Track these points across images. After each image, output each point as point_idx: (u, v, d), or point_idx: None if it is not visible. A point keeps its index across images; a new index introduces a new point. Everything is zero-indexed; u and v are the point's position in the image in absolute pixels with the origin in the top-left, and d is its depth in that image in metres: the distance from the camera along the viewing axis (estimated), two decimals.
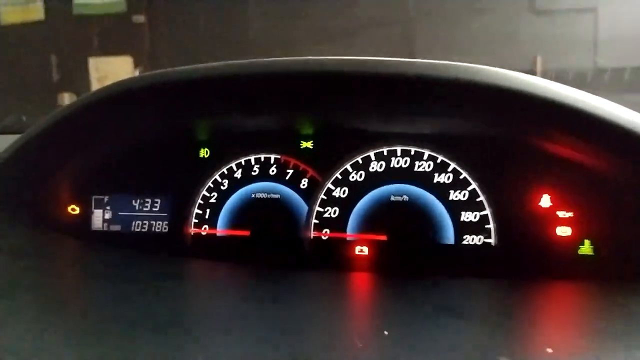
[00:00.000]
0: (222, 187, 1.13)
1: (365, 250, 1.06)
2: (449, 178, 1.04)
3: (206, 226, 1.13)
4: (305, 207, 1.09)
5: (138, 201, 1.16)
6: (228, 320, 0.73)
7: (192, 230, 1.13)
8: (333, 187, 1.08)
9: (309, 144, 1.11)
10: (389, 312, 0.79)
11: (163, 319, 0.70)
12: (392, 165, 1.06)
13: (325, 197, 1.08)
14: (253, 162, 1.12)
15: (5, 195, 1.05)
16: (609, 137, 0.79)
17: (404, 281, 0.96)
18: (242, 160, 1.13)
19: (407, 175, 1.06)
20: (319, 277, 1.00)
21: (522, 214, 1.01)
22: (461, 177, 1.03)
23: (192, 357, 0.56)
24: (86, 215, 1.17)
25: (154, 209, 1.15)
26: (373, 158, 1.07)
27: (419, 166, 1.05)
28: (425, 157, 1.05)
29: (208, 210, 1.13)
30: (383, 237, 1.05)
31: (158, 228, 1.15)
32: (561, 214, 1.00)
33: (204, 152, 1.15)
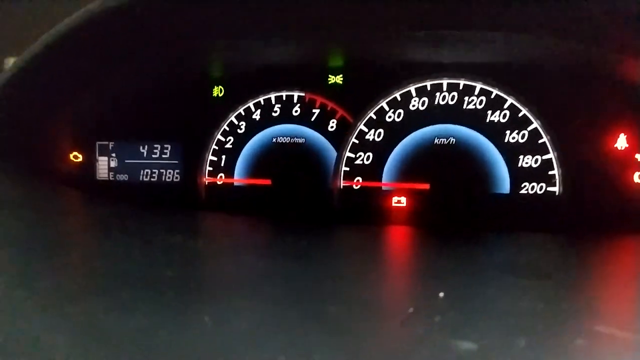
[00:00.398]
0: (239, 131, 1.00)
1: (404, 201, 0.92)
2: (504, 116, 0.89)
3: (222, 175, 1.01)
4: (334, 153, 0.97)
5: (146, 147, 1.04)
6: (243, 279, 0.61)
7: (207, 179, 1.01)
8: (366, 129, 0.94)
9: (338, 79, 0.96)
10: (438, 271, 0.65)
11: (168, 276, 0.58)
12: (436, 102, 0.92)
13: (357, 141, 0.95)
14: (273, 102, 0.99)
15: (5, 141, 0.93)
16: None
17: (450, 236, 0.82)
18: (261, 99, 0.99)
19: (454, 114, 0.91)
20: (352, 231, 0.88)
21: (593, 158, 0.86)
22: (520, 114, 0.88)
23: (196, 319, 0.44)
24: (90, 164, 1.06)
25: (164, 156, 1.03)
26: (414, 94, 0.92)
27: (468, 102, 0.90)
28: (476, 92, 0.90)
29: (224, 157, 1.01)
30: (425, 186, 0.91)
31: (169, 177, 1.03)
32: None
33: (217, 91, 1.01)
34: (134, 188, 1.05)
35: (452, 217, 0.90)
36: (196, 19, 0.78)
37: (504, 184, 0.89)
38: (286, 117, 0.98)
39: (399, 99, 0.93)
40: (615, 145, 0.85)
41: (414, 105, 0.92)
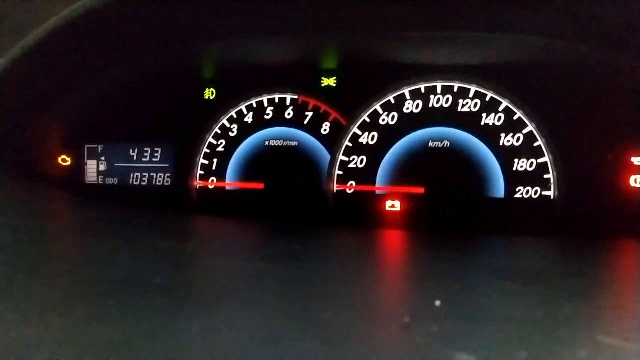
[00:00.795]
0: (230, 134, 0.98)
1: (398, 205, 0.91)
2: (500, 119, 0.88)
3: (213, 178, 0.99)
4: (327, 156, 0.95)
5: (136, 150, 1.02)
6: (234, 284, 0.59)
7: (198, 183, 1.00)
8: (360, 132, 0.93)
9: (331, 81, 0.95)
10: (434, 276, 0.64)
11: (157, 282, 0.56)
12: (430, 105, 0.91)
13: (350, 144, 0.94)
14: (266, 104, 0.97)
15: None
16: None
17: (445, 240, 0.81)
18: (254, 102, 0.98)
19: (448, 117, 0.90)
20: (345, 234, 0.87)
21: (589, 162, 0.85)
22: (515, 117, 0.87)
23: (184, 326, 0.42)
24: (79, 167, 1.05)
25: (155, 160, 1.02)
26: (408, 97, 0.91)
27: (463, 105, 0.89)
28: (471, 95, 0.89)
29: (215, 161, 1.00)
30: (420, 190, 0.90)
31: (159, 181, 1.01)
32: (637, 160, 0.83)
33: (209, 93, 1.00)
34: (124, 192, 1.03)
35: (447, 221, 0.89)
36: (187, 21, 0.77)
37: (499, 188, 0.88)
38: (279, 119, 0.97)
39: (392, 101, 0.92)
40: (611, 149, 0.85)
41: (408, 108, 0.91)
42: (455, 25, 0.72)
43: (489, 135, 0.88)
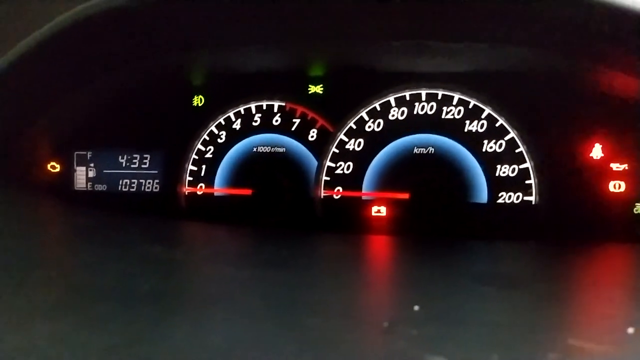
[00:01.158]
0: (219, 140, 1.00)
1: (384, 210, 0.93)
2: (482, 126, 0.90)
3: (202, 185, 1.01)
4: (314, 162, 0.97)
5: (125, 157, 1.03)
6: (221, 290, 0.60)
7: (186, 189, 1.01)
8: (346, 139, 0.95)
9: (318, 89, 0.97)
10: (416, 281, 0.66)
11: (144, 288, 0.57)
12: (415, 112, 0.93)
13: (337, 151, 0.95)
14: (254, 111, 0.99)
15: None
16: None
17: (429, 245, 0.83)
18: (242, 109, 0.99)
19: (433, 124, 0.92)
20: (331, 240, 0.89)
21: (569, 167, 0.88)
22: (497, 124, 0.89)
23: (169, 333, 0.43)
24: (68, 174, 1.05)
25: (143, 166, 1.03)
26: (393, 104, 0.93)
27: (447, 112, 0.92)
28: (454, 102, 0.91)
29: (204, 167, 1.01)
30: (405, 196, 0.92)
31: (148, 187, 1.02)
32: (614, 166, 0.86)
33: (197, 100, 1.01)
34: (113, 198, 1.04)
35: (432, 226, 0.91)
36: (175, 30, 0.78)
37: (482, 193, 0.90)
38: (266, 126, 0.98)
39: (378, 108, 0.94)
40: (590, 155, 0.87)
41: (393, 115, 0.93)
42: (439, 36, 0.74)
43: (472, 142, 0.90)
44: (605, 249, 0.80)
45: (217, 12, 0.72)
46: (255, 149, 0.99)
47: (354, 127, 0.94)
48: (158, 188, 1.02)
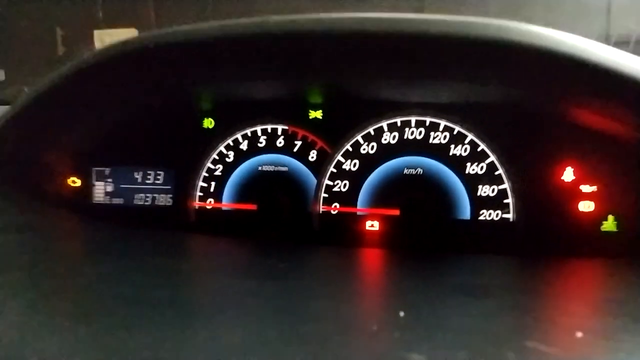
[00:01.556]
0: (227, 160, 1.08)
1: (376, 225, 1.02)
2: (465, 150, 0.98)
3: (211, 200, 1.09)
4: (313, 181, 1.05)
5: (141, 173, 1.12)
6: (230, 297, 0.69)
7: (197, 204, 1.09)
8: (343, 160, 1.03)
9: (318, 114, 1.05)
10: (403, 290, 0.75)
11: (161, 296, 0.66)
12: (405, 137, 1.01)
13: (334, 170, 1.03)
14: (259, 133, 1.07)
15: (1, 166, 1.01)
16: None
17: (417, 258, 0.91)
18: (248, 131, 1.08)
19: (421, 147, 1.00)
20: (328, 252, 0.96)
21: (543, 188, 0.96)
22: (479, 149, 0.98)
23: (187, 337, 0.52)
24: (87, 188, 1.14)
25: (157, 182, 1.11)
26: (386, 129, 1.02)
27: (434, 137, 1.00)
28: (441, 128, 0.99)
29: (213, 184, 1.09)
30: (395, 212, 1.00)
31: (161, 201, 1.11)
32: (584, 188, 0.95)
33: (208, 123, 1.10)
34: (129, 211, 1.13)
35: (420, 240, 0.99)
36: (185, 70, 0.88)
37: (465, 211, 0.99)
38: (271, 147, 1.07)
39: (372, 133, 1.03)
40: (562, 178, 0.96)
41: (385, 139, 1.02)
42: (427, 77, 0.84)
43: (456, 164, 0.99)
44: (573, 264, 0.89)
45: (225, 56, 0.82)
46: (260, 168, 1.08)
47: (350, 149, 1.03)
48: (171, 202, 1.11)
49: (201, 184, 1.09)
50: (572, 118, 0.91)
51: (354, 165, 1.03)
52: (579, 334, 0.54)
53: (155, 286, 0.71)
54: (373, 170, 1.02)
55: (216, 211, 1.09)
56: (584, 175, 0.95)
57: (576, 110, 0.88)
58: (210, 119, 1.10)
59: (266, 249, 0.98)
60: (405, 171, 1.01)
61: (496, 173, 0.97)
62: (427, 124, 1.00)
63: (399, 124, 1.01)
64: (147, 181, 1.12)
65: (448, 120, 0.99)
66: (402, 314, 0.60)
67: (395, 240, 1.00)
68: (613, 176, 0.94)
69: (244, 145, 1.08)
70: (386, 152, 1.02)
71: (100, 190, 1.13)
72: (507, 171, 0.96)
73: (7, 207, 1.03)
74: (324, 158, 1.04)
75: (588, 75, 0.71)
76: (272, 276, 0.78)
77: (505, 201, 0.97)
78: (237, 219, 1.08)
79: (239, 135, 1.08)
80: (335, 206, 1.03)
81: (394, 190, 1.01)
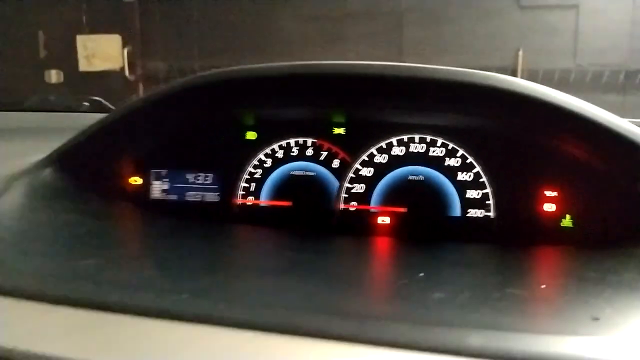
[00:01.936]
0: (265, 165, 1.32)
1: (387, 219, 1.27)
2: (457, 162, 1.24)
3: (251, 197, 1.32)
4: (336, 184, 1.28)
5: (192, 175, 1.35)
6: (266, 269, 0.88)
7: (239, 200, 1.32)
8: (360, 167, 1.27)
9: (341, 131, 1.30)
10: (411, 264, 1.01)
11: (208, 264, 0.90)
12: (410, 150, 1.26)
13: (353, 176, 1.27)
14: (293, 145, 1.32)
15: (85, 167, 1.24)
16: (610, 143, 1.00)
17: (420, 244, 1.17)
18: (284, 143, 1.31)
19: (423, 159, 1.25)
20: (347, 241, 1.20)
21: (517, 193, 1.22)
22: (468, 161, 1.24)
23: (224, 294, 0.71)
24: (146, 186, 1.36)
25: (206, 182, 1.35)
26: (395, 144, 1.27)
27: (433, 151, 1.25)
28: (438, 144, 1.25)
29: (253, 184, 1.32)
30: (403, 209, 1.26)
31: (210, 198, 1.35)
32: (548, 193, 1.22)
33: (251, 135, 1.34)
34: (181, 205, 1.35)
35: (422, 231, 1.24)
36: (245, 98, 1.15)
37: (457, 209, 1.23)
38: (301, 156, 1.30)
39: (384, 146, 1.27)
40: (531, 185, 1.23)
41: (394, 152, 1.28)
42: (427, 108, 1.13)
43: (450, 173, 1.23)
44: (538, 250, 1.15)
45: (274, 88, 1.09)
46: (292, 173, 1.32)
47: (366, 159, 1.27)
48: (218, 199, 1.34)
49: (243, 184, 1.32)
50: (539, 142, 1.19)
51: (369, 172, 1.27)
52: (543, 286, 0.81)
53: (203, 258, 0.94)
54: (384, 176, 1.26)
55: (255, 207, 1.32)
56: (547, 183, 1.22)
57: (542, 137, 1.16)
58: (253, 132, 1.34)
59: (297, 237, 1.22)
60: (410, 177, 1.25)
61: (481, 180, 1.22)
62: (428, 140, 1.25)
63: (405, 140, 1.26)
64: (198, 181, 1.35)
65: (444, 138, 1.24)
66: (421, 274, 0.86)
67: (402, 231, 1.24)
68: (572, 186, 1.20)
69: (279, 154, 1.31)
70: (395, 162, 1.26)
71: (158, 188, 1.36)
72: (489, 179, 1.22)
73: (85, 199, 1.26)
74: (345, 166, 1.28)
75: (563, 123, 1.00)
76: (306, 252, 0.96)
77: (487, 202, 1.22)
78: (272, 213, 1.32)
79: (275, 146, 1.32)
80: (354, 204, 1.28)
81: (401, 192, 1.25)
